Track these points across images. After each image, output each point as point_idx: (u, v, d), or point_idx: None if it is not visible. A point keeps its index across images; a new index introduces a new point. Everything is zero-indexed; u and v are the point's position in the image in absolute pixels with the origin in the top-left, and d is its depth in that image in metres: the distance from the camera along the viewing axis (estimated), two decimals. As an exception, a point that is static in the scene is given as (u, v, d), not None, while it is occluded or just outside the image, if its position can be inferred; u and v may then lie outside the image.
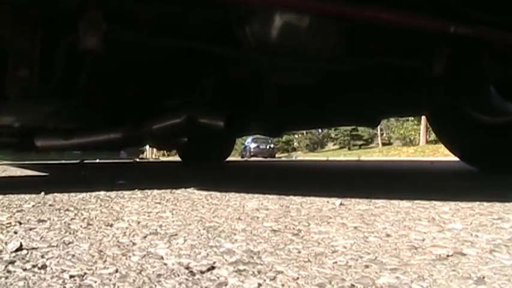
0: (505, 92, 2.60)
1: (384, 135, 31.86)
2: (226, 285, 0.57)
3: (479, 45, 1.95)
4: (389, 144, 30.52)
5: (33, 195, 1.60)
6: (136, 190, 1.76)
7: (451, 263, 0.66)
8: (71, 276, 0.61)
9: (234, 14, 1.79)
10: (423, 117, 14.66)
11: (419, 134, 26.53)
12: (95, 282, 0.59)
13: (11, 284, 0.58)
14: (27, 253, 0.75)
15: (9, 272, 0.64)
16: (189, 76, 2.36)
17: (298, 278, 0.60)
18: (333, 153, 27.61)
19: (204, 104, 2.35)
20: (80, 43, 1.60)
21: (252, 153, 24.22)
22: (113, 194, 1.65)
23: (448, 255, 0.71)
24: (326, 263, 0.67)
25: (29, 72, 1.82)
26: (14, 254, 0.74)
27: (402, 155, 19.25)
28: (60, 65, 1.86)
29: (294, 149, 37.09)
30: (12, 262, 0.69)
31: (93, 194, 1.65)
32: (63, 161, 6.85)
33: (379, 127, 24.70)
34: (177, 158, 8.65)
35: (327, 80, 2.16)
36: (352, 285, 0.57)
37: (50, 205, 1.36)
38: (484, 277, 0.60)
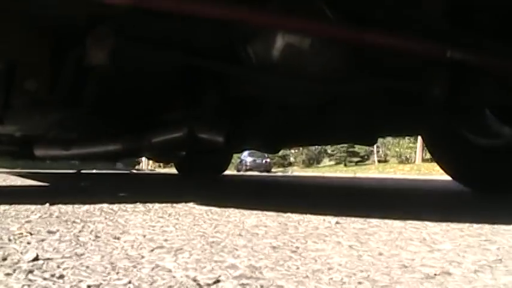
0: (500, 115, 2.67)
1: (380, 152, 31.97)
2: (231, 297, 0.63)
3: (476, 70, 2.01)
4: (386, 161, 30.64)
5: (39, 206, 1.65)
6: (138, 203, 1.81)
7: (438, 282, 0.72)
8: (88, 286, 0.66)
9: (237, 34, 1.86)
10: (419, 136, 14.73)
11: (415, 152, 26.64)
12: (111, 291, 0.64)
13: (35, 292, 0.63)
14: (43, 263, 0.80)
15: (30, 280, 0.69)
16: (191, 92, 2.41)
17: (297, 292, 0.66)
18: (329, 169, 27.70)
19: (205, 119, 2.40)
20: (87, 57, 1.66)
21: (248, 167, 24.28)
22: (115, 207, 1.70)
23: (435, 274, 0.76)
24: (322, 279, 0.72)
25: (37, 84, 1.88)
26: (31, 264, 0.79)
27: (398, 172, 19.32)
28: (67, 78, 1.91)
29: (290, 164, 37.17)
30: (31, 271, 0.74)
31: (97, 206, 1.70)
32: (60, 171, 6.89)
33: (375, 144, 24.80)
34: (172, 170, 8.70)
35: (327, 100, 2.22)
36: (347, 299, 0.62)
37: (56, 217, 1.41)
38: (466, 295, 0.65)
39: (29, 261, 0.80)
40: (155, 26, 1.85)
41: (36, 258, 0.82)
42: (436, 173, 12.96)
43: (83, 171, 7.29)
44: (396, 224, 1.37)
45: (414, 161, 26.06)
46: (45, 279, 0.70)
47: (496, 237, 1.16)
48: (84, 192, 2.69)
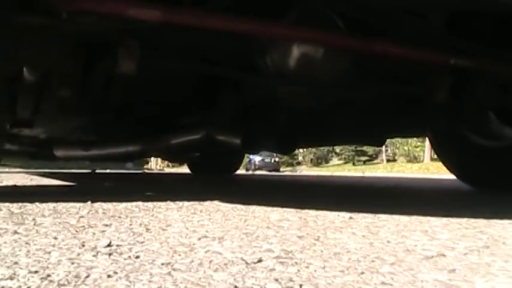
0: (503, 117, 2.83)
1: (389, 151, 32.04)
2: (275, 270, 0.82)
3: (478, 75, 2.18)
4: (394, 160, 30.71)
5: (82, 204, 1.85)
6: (169, 201, 2.00)
7: (434, 261, 0.91)
8: (162, 263, 0.86)
9: (257, 44, 2.03)
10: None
11: (423, 151, 26.70)
12: (182, 267, 0.84)
13: (124, 267, 0.82)
14: (116, 248, 0.99)
15: (114, 260, 0.88)
16: (210, 97, 2.58)
17: (324, 266, 0.85)
18: (338, 168, 27.78)
19: (222, 122, 2.56)
20: (117, 67, 1.82)
21: (257, 167, 24.39)
22: (149, 204, 1.89)
23: (432, 256, 0.95)
24: (343, 259, 0.91)
25: (70, 91, 2.05)
26: (108, 249, 0.98)
27: (406, 171, 19.43)
28: (96, 86, 2.09)
29: (299, 163, 37.26)
30: (111, 254, 0.93)
31: (133, 204, 1.89)
32: (73, 170, 7.09)
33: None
34: (181, 170, 8.88)
35: (338, 103, 2.39)
36: (363, 271, 0.81)
37: (103, 213, 1.61)
38: (455, 269, 0.84)
39: (105, 247, 1.00)
40: (178, 38, 2.00)
41: (109, 245, 1.02)
42: (444, 172, 13.04)
43: (97, 171, 7.49)
44: (403, 218, 1.55)
45: (423, 160, 26.16)
46: (125, 259, 0.89)
47: (488, 229, 1.35)
48: (113, 191, 2.88)
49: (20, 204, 1.78)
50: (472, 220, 1.53)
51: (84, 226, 1.29)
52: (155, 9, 1.60)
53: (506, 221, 1.49)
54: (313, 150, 36.00)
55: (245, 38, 1.90)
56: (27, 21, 1.68)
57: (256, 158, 25.03)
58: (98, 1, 1.58)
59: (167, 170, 17.10)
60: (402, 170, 20.58)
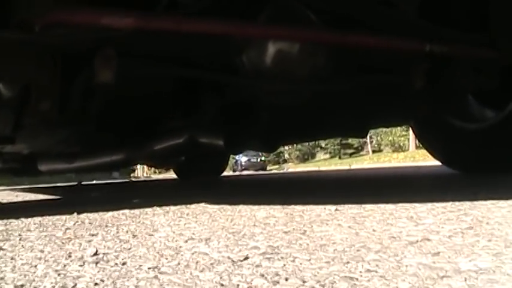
0: (482, 99, 2.86)
1: (374, 142, 32.18)
2: (261, 266, 0.82)
3: (454, 59, 2.20)
4: (380, 151, 30.85)
5: (68, 216, 1.84)
6: (155, 207, 2.00)
7: (419, 245, 0.92)
8: (149, 268, 0.86)
9: (233, 44, 2.03)
10: (410, 124, 14.87)
11: (408, 139, 26.85)
12: (168, 269, 0.84)
13: (110, 275, 0.82)
14: (103, 256, 0.99)
15: (101, 268, 0.88)
16: (191, 100, 2.57)
17: (310, 259, 0.85)
18: (324, 163, 27.86)
19: (204, 124, 2.56)
20: (95, 77, 1.82)
21: (243, 167, 24.41)
22: (136, 211, 1.89)
23: (417, 241, 0.96)
24: (328, 250, 0.92)
25: (50, 104, 2.03)
26: (94, 257, 0.98)
27: (392, 161, 19.53)
28: (76, 97, 2.07)
29: (285, 161, 37.32)
30: (97, 262, 0.93)
31: (120, 212, 1.89)
32: (59, 184, 7.04)
33: (368, 135, 24.94)
34: (168, 176, 8.85)
35: (317, 97, 2.40)
36: (348, 261, 0.82)
37: (89, 223, 1.60)
38: (439, 252, 0.85)
39: (91, 256, 1.00)
40: (154, 44, 2.00)
41: (96, 253, 1.02)
42: (429, 160, 13.13)
43: (83, 183, 7.45)
44: (388, 207, 1.56)
45: (408, 149, 26.30)
46: (112, 266, 0.89)
47: (473, 211, 1.36)
48: (100, 201, 2.87)
49: (5, 220, 1.77)
50: (457, 203, 1.54)
51: (70, 238, 1.28)
52: (128, 16, 1.60)
53: (489, 202, 1.51)
54: (299, 146, 36.09)
55: (221, 39, 1.90)
56: (1, 36, 1.67)
57: (243, 159, 25.06)
58: (70, 12, 1.57)
59: (154, 177, 17.03)
60: (388, 160, 20.69)
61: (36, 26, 1.60)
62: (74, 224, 1.58)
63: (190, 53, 2.15)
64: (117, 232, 1.35)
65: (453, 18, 2.19)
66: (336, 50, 1.99)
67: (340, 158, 32.71)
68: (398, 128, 26.83)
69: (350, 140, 31.78)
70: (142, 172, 27.37)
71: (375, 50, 2.00)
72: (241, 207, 1.82)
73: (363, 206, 1.62)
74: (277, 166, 32.90)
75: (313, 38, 1.91)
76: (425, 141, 3.46)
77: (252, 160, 25.06)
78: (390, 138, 29.42)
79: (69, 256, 1.01)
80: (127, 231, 1.35)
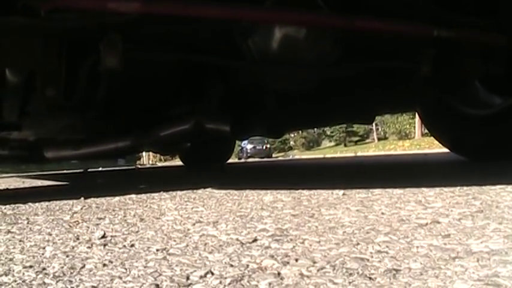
0: (490, 85, 2.84)
1: (380, 130, 32.14)
2: (270, 248, 0.82)
3: (462, 45, 2.18)
4: (385, 138, 30.81)
5: (75, 200, 1.84)
6: (162, 192, 2.00)
7: (428, 228, 0.91)
8: (157, 250, 0.85)
9: (238, 30, 2.02)
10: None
11: (414, 127, 26.78)
12: (177, 251, 0.83)
13: (119, 256, 0.82)
14: (111, 239, 0.99)
15: (109, 250, 0.88)
16: (197, 86, 2.56)
17: (319, 241, 0.85)
18: (330, 151, 27.83)
19: (211, 110, 2.55)
20: (101, 63, 1.81)
21: (249, 154, 24.41)
22: (143, 196, 1.89)
23: (427, 223, 0.95)
24: (338, 232, 0.92)
25: (55, 91, 2.02)
26: (102, 240, 0.98)
27: (398, 149, 19.48)
28: (82, 83, 2.07)
29: (291, 148, 37.31)
30: (105, 244, 0.93)
31: (126, 197, 1.89)
32: (65, 171, 7.06)
33: (374, 122, 24.87)
34: (174, 163, 8.86)
35: (324, 83, 2.38)
36: (358, 243, 0.81)
37: (96, 207, 1.60)
38: (450, 234, 0.84)
39: (99, 238, 0.99)
40: (160, 28, 1.99)
41: (104, 236, 1.01)
42: (435, 147, 13.10)
43: (89, 170, 7.46)
44: (396, 191, 1.55)
45: (414, 137, 26.24)
46: (120, 248, 0.89)
47: (482, 195, 1.35)
48: (106, 187, 2.87)
49: (13, 205, 1.77)
50: (465, 188, 1.53)
51: (78, 221, 1.28)
52: (134, 0, 1.58)
53: (498, 187, 1.49)
54: (304, 133, 36.09)
55: (226, 23, 1.88)
56: (6, 22, 1.66)
57: (248, 146, 25.05)
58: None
59: (160, 164, 17.05)
60: (394, 148, 20.62)
61: (41, 10, 1.59)
62: (81, 209, 1.58)
63: (195, 37, 2.13)
64: (125, 216, 1.34)
65: (461, 2, 2.16)
66: (343, 35, 1.97)
67: (345, 145, 32.67)
68: (405, 115, 26.78)
69: (355, 128, 31.73)
70: (148, 159, 27.41)
71: (381, 36, 1.98)
72: (248, 192, 1.82)
73: (371, 190, 1.61)
74: (282, 153, 32.87)
75: (320, 22, 1.90)
76: (433, 128, 3.44)
77: (257, 147, 25.04)
78: (396, 126, 29.36)
79: (77, 239, 1.01)
80: (134, 215, 1.35)
